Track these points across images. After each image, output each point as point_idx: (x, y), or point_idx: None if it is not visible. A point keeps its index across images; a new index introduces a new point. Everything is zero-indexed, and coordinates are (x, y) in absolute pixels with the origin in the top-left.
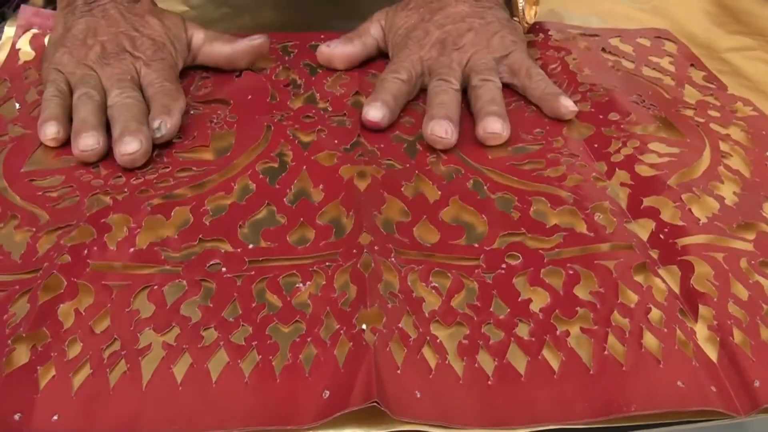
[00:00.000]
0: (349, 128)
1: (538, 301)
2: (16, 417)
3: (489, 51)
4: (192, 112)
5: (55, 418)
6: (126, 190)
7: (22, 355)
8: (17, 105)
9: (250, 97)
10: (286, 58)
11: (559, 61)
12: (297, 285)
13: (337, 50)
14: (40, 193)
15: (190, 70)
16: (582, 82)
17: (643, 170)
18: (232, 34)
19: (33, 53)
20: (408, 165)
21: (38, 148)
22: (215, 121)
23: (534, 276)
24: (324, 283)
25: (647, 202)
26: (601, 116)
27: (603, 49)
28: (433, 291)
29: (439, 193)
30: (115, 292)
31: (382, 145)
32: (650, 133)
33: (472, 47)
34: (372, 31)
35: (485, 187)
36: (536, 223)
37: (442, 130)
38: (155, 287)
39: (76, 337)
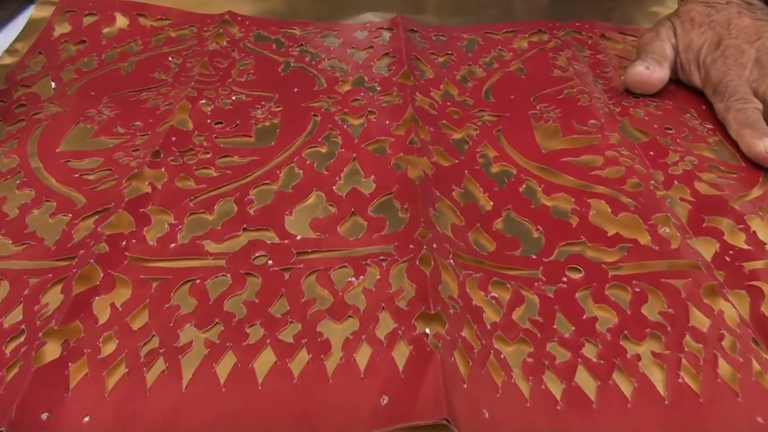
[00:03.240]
0: (399, 104)
1: (605, 319)
2: (44, 416)
3: None
4: (234, 97)
5: (86, 419)
6: (164, 171)
7: (53, 350)
8: (53, 84)
9: (296, 89)
10: (332, 48)
11: (611, 67)
12: (349, 279)
13: (656, 74)
14: (76, 176)
15: (232, 52)
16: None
17: (703, 188)
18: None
19: (70, 27)
20: (457, 161)
21: (74, 128)
22: (260, 111)
23: (598, 292)
24: (379, 277)
25: (709, 221)
26: (655, 126)
27: None
28: (493, 301)
29: (492, 203)
30: (155, 286)
31: (431, 129)
32: (704, 152)
33: None
34: (668, 52)
35: (540, 191)
36: (596, 230)
37: None
38: (197, 281)
39: (111, 333)
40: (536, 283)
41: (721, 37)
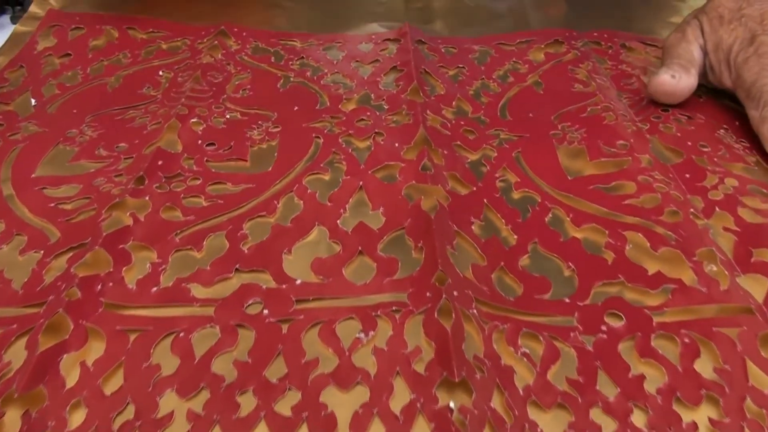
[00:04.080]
0: (409, 124)
1: (653, 377)
2: None
3: None
4: (228, 116)
5: None
6: (148, 200)
7: (12, 423)
8: (33, 101)
9: (296, 108)
10: (335, 61)
11: (635, 78)
12: (357, 335)
13: (682, 83)
14: (52, 205)
15: (227, 65)
16: (663, 106)
17: (748, 215)
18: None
19: (55, 41)
20: (475, 188)
21: (53, 150)
22: (256, 132)
23: (643, 344)
24: (392, 333)
25: (757, 254)
26: (689, 143)
27: None
28: (524, 358)
29: (516, 236)
30: (132, 339)
31: (445, 152)
32: (744, 173)
33: None
34: (696, 55)
35: (568, 221)
36: (635, 268)
37: None
38: (181, 334)
39: (80, 399)
40: (572, 333)
41: (754, 33)
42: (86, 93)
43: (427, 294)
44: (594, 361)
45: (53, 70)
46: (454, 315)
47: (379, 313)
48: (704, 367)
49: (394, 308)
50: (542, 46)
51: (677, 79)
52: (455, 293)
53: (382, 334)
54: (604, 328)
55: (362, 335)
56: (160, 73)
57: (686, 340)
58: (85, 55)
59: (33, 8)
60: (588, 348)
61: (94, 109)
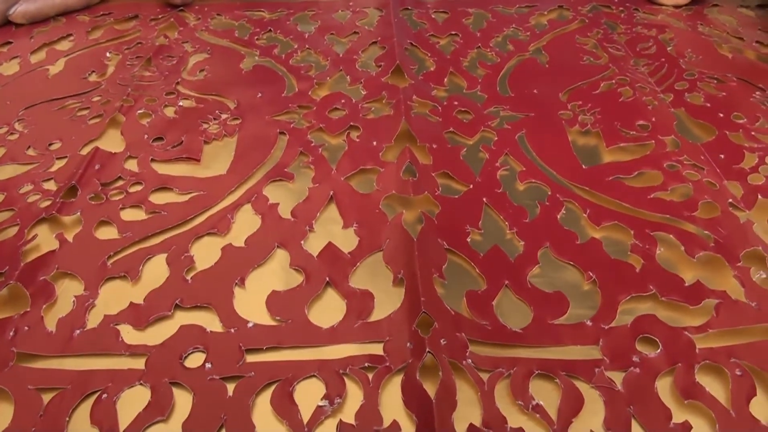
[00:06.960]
0: (390, 116)
1: (700, 427)
2: None
3: None
4: (181, 103)
5: None
6: (80, 216)
7: None
8: None
9: (260, 95)
10: (306, 35)
11: (653, 41)
12: (320, 403)
13: None
14: None
15: (183, 44)
16: (687, 69)
17: None
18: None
19: None
20: (472, 186)
21: None
22: (212, 125)
23: (686, 380)
24: (363, 401)
25: None
26: (721, 114)
27: (700, 23)
28: (537, 415)
29: (522, 242)
30: (46, 402)
31: (434, 146)
32: None
33: None
34: None
35: (585, 218)
36: (668, 276)
37: None
38: (104, 396)
39: None
40: (597, 369)
41: None
42: (22, 81)
43: (408, 345)
44: (626, 406)
45: None
46: (441, 372)
47: (347, 371)
48: (762, 408)
49: (366, 365)
50: (545, 12)
51: None
52: (443, 341)
53: (350, 403)
54: (636, 358)
55: (326, 404)
56: (107, 54)
57: (738, 372)
58: (27, 41)
59: None
60: (617, 388)
61: (30, 100)
